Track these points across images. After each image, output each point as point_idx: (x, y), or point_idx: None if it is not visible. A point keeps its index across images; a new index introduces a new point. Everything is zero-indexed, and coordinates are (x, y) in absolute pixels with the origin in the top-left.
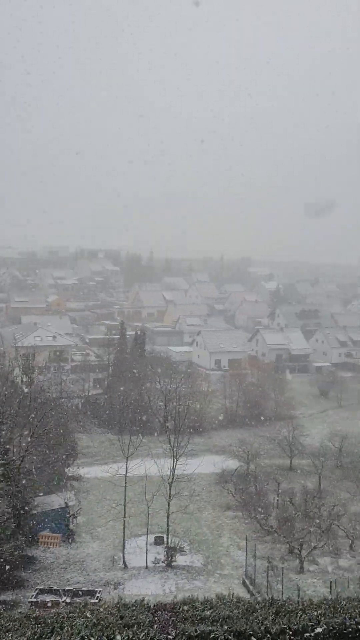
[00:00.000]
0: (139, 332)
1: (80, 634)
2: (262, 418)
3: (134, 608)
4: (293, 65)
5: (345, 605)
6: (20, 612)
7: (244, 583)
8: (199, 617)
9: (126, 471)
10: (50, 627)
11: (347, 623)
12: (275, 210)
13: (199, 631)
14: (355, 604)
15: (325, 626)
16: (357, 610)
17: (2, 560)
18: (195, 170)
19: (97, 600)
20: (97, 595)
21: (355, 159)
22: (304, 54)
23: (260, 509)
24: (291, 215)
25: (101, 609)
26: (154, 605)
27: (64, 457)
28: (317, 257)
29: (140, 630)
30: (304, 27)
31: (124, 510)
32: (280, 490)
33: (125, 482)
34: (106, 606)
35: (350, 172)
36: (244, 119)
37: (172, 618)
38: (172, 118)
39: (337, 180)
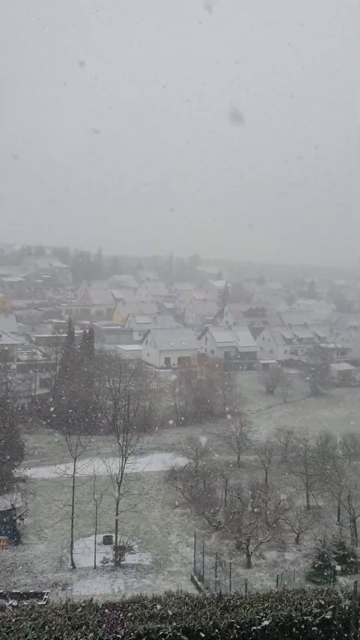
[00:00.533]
0: (87, 331)
1: (28, 637)
2: (211, 415)
3: (82, 609)
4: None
5: (291, 597)
6: None
7: (192, 579)
8: (147, 615)
9: (74, 471)
10: None
11: (293, 615)
12: (223, 210)
13: (147, 629)
14: (301, 596)
15: (271, 619)
16: (302, 602)
17: None
18: (144, 168)
19: (44, 603)
20: (45, 597)
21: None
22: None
23: (208, 506)
24: (239, 216)
25: (49, 611)
26: (103, 605)
27: (8, 458)
28: (263, 257)
29: (88, 630)
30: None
31: (72, 510)
32: (228, 486)
33: (74, 483)
34: (54, 608)
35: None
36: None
37: (121, 617)
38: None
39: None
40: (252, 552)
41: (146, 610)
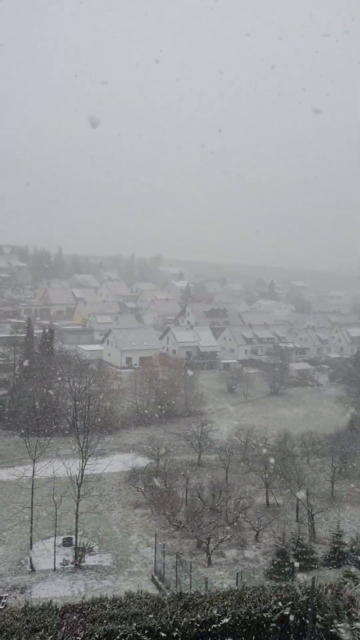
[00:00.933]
0: (47, 331)
1: None
2: (172, 415)
3: (41, 612)
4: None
5: (250, 595)
6: None
7: (153, 579)
8: (107, 616)
9: (33, 473)
10: None
11: (252, 612)
12: (185, 211)
13: (107, 630)
14: (260, 593)
15: (231, 616)
16: (261, 599)
17: None
18: (107, 167)
19: (2, 607)
20: (3, 601)
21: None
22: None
23: (169, 506)
24: (201, 217)
25: (7, 615)
26: (62, 608)
27: None
28: (224, 258)
29: (47, 633)
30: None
31: (31, 513)
32: (189, 486)
33: (32, 485)
34: (12, 612)
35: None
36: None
37: (81, 619)
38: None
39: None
40: (212, 551)
41: (106, 612)
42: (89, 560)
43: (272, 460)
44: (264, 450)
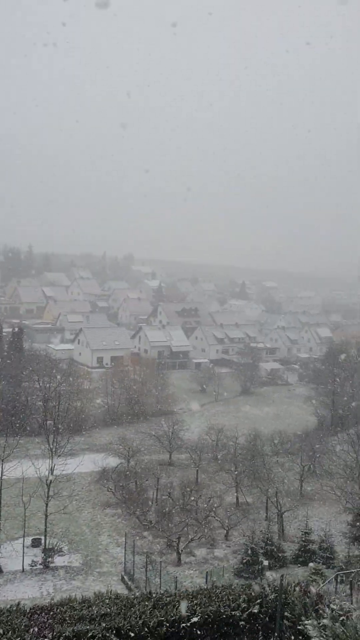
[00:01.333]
0: (16, 329)
1: None
2: (144, 415)
3: (9, 614)
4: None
5: (219, 593)
6: None
7: (122, 579)
8: (76, 617)
9: (1, 474)
10: None
11: (222, 610)
12: (159, 211)
13: (76, 631)
14: (229, 591)
15: (200, 615)
16: (230, 598)
17: None
18: (79, 165)
19: None
20: None
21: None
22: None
23: (139, 505)
24: (174, 216)
25: None
26: (31, 609)
27: None
28: (196, 258)
29: (15, 635)
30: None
31: None
32: (159, 485)
33: (0, 485)
34: None
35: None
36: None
37: (49, 620)
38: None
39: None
40: (182, 550)
41: (75, 612)
42: (58, 561)
43: (241, 459)
44: (235, 450)
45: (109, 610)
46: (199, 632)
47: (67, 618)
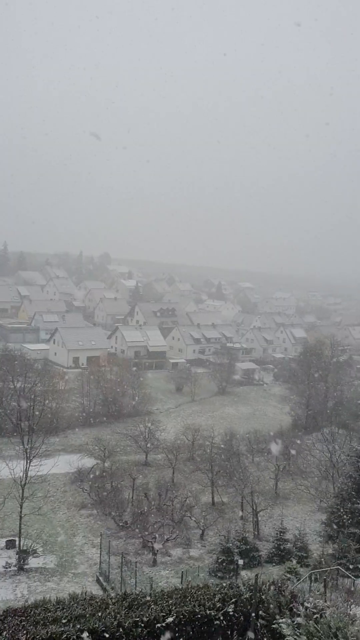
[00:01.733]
0: None
1: None
2: (120, 415)
3: None
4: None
5: (194, 593)
6: None
7: (98, 580)
8: (50, 619)
9: None
10: None
11: (197, 610)
12: (135, 211)
13: (50, 633)
14: (204, 591)
15: (175, 615)
16: (205, 597)
17: None
18: (55, 163)
19: None
20: None
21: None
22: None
23: (115, 506)
24: (150, 217)
25: None
26: (4, 612)
27: None
28: (172, 258)
29: None
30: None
31: None
32: (135, 486)
33: None
34: None
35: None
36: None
37: (23, 623)
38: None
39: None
40: (157, 551)
41: (49, 614)
42: (33, 562)
43: (217, 459)
44: (210, 450)
45: (83, 611)
46: (174, 632)
47: (41, 620)
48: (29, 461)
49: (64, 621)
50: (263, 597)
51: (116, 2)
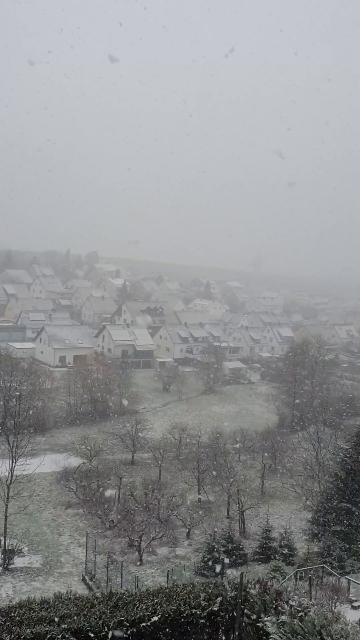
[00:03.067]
0: None
1: None
2: (107, 414)
3: None
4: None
5: (180, 592)
6: None
7: (83, 580)
8: (35, 619)
9: None
10: None
11: (182, 609)
12: (123, 210)
13: (35, 633)
14: (190, 590)
15: (161, 614)
16: (191, 596)
17: None
18: (41, 160)
19: None
20: None
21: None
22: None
23: (101, 505)
24: (138, 216)
25: None
26: None
27: None
28: (160, 257)
29: None
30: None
31: None
32: (121, 485)
33: None
34: None
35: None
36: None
37: (7, 623)
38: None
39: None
40: (144, 549)
41: (34, 614)
42: (18, 562)
43: (204, 458)
44: (197, 448)
45: (68, 611)
46: (159, 631)
47: (26, 620)
48: (14, 460)
49: (48, 621)
50: (248, 595)
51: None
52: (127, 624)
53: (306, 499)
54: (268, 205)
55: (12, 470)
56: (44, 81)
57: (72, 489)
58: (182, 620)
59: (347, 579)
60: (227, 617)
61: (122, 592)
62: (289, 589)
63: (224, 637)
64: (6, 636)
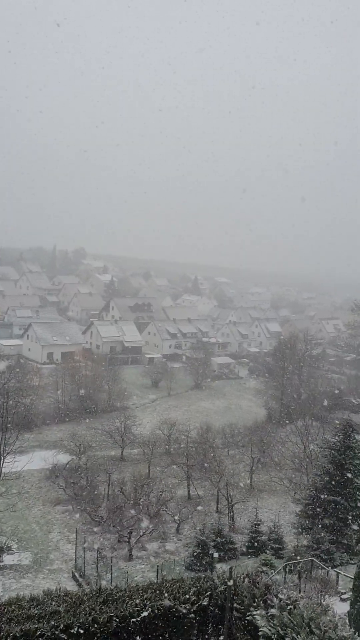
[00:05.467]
0: None
1: None
2: (95, 410)
3: None
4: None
5: (169, 587)
6: None
7: (73, 576)
8: (25, 616)
9: None
10: None
11: (172, 604)
12: (111, 205)
13: (24, 630)
14: (179, 585)
15: (151, 609)
16: (180, 591)
17: None
18: (27, 156)
19: None
20: None
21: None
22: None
23: (90, 501)
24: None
25: None
26: None
27: None
28: (148, 253)
29: None
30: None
31: None
32: (111, 481)
33: None
34: None
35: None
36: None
37: None
38: None
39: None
40: (133, 545)
41: (23, 611)
42: (7, 559)
43: (193, 453)
44: (186, 443)
45: (58, 608)
46: (149, 627)
47: (15, 617)
48: (2, 458)
49: (38, 618)
50: (237, 589)
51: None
52: (117, 620)
53: (295, 493)
54: (257, 202)
55: (0, 467)
56: None
57: (61, 486)
58: (172, 615)
59: (335, 571)
60: (216, 611)
61: (112, 588)
62: (278, 582)
63: (213, 631)
64: None
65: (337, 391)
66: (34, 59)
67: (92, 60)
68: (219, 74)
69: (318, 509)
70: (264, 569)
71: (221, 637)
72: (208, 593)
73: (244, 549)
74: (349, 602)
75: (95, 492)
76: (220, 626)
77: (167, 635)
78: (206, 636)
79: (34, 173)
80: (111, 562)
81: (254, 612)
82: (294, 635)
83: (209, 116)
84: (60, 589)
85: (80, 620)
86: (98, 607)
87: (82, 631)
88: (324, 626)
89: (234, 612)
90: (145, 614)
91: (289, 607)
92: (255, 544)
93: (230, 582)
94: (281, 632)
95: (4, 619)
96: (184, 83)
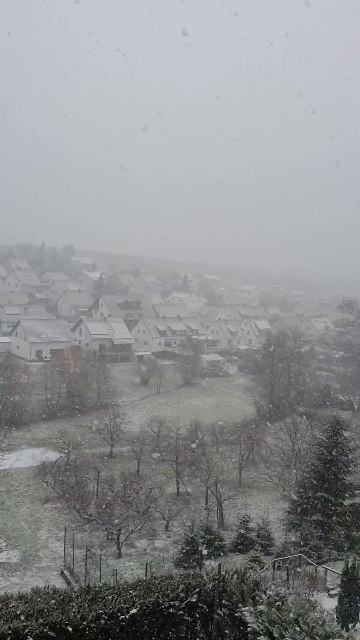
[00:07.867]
0: None
1: None
2: (85, 408)
3: None
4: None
5: (158, 584)
6: None
7: (62, 574)
8: (12, 614)
9: None
10: None
11: (160, 601)
12: (100, 202)
13: (12, 628)
14: (168, 582)
15: (139, 607)
16: (169, 588)
17: None
18: (16, 152)
19: None
20: None
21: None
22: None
23: (79, 499)
24: (114, 208)
25: None
26: None
27: None
28: (137, 250)
29: None
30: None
31: None
32: (100, 479)
33: None
34: None
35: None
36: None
37: None
38: None
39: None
40: (122, 542)
41: (11, 610)
42: None
43: (182, 450)
44: (176, 441)
45: (46, 605)
46: (137, 624)
47: (3, 615)
48: None
49: (26, 616)
50: (226, 586)
51: None
52: (106, 617)
53: (283, 489)
54: (247, 200)
55: None
56: None
57: (50, 484)
58: (161, 612)
59: (324, 567)
60: (205, 607)
61: (101, 585)
62: (266, 578)
63: (202, 628)
64: None
65: (325, 389)
66: (32, 50)
67: (90, 59)
68: (219, 75)
69: (306, 506)
70: (253, 565)
71: (210, 634)
72: (197, 590)
73: (233, 546)
74: (337, 598)
75: (84, 490)
76: (209, 622)
77: (155, 631)
78: (195, 632)
79: (21, 169)
80: (100, 560)
81: (243, 609)
82: (282, 631)
83: (186, 112)
84: (49, 586)
85: (69, 618)
86: (87, 605)
87: (70, 629)
88: (312, 622)
89: (223, 609)
90: (134, 611)
91: (277, 604)
92: (244, 540)
93: (219, 578)
94: (270, 628)
95: None
96: (183, 83)
